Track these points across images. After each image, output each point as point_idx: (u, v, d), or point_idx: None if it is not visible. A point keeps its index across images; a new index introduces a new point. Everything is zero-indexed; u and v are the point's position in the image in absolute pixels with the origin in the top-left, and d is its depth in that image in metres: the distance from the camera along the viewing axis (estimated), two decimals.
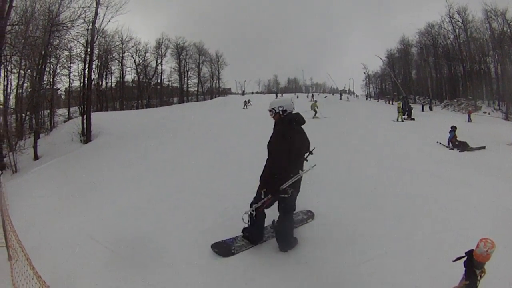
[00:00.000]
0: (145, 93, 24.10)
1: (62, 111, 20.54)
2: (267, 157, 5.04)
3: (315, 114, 19.93)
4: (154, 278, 4.77)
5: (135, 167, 10.88)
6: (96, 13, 18.40)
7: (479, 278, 3.02)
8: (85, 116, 17.82)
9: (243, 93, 26.79)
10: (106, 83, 23.14)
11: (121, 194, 8.43)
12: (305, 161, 5.33)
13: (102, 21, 19.06)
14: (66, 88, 20.85)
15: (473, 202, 7.12)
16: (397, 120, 19.25)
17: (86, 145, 16.73)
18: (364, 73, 26.66)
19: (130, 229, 6.23)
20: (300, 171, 5.03)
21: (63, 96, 21.46)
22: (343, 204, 7.03)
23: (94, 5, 18.32)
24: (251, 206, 5.13)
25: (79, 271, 5.00)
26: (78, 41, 18.86)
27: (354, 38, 26.57)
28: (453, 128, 13.50)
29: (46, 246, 5.79)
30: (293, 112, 5.18)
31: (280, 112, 5.12)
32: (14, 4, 15.51)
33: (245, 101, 23.45)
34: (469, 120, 19.93)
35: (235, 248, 5.17)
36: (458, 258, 3.14)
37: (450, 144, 13.21)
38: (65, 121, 19.89)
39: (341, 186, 8.20)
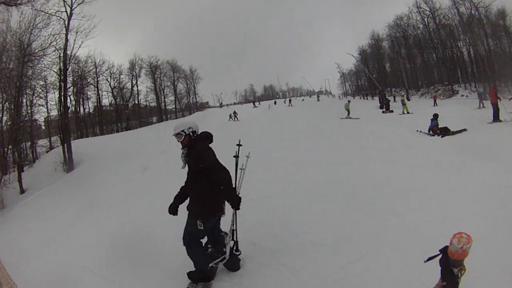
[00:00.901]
0: (124, 115, 23.87)
1: (43, 142, 20.27)
2: (194, 185, 4.74)
3: (348, 114, 19.91)
4: None
5: (117, 192, 10.86)
6: (67, 40, 18.25)
7: (459, 276, 2.71)
8: (65, 145, 17.60)
9: (221, 106, 26.82)
10: (84, 109, 22.88)
11: (106, 219, 8.40)
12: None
13: (73, 47, 18.92)
14: (44, 118, 20.62)
15: (463, 188, 7.09)
16: (403, 113, 19.32)
17: (69, 174, 16.52)
18: (339, 72, 26.88)
19: (118, 252, 6.16)
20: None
21: (43, 127, 21.21)
22: (332, 204, 7.03)
23: (64, 31, 18.18)
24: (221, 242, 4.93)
25: None
26: (51, 70, 18.70)
27: (325, 39, 26.98)
28: (435, 116, 13.61)
29: (39, 280, 5.70)
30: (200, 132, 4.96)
31: (191, 133, 4.85)
32: None
33: (231, 114, 23.21)
34: (435, 104, 20.64)
35: None
36: (431, 258, 2.88)
37: (431, 131, 13.33)
38: (47, 152, 19.59)
39: (328, 184, 8.26)
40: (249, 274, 4.91)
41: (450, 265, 2.71)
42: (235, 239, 5.14)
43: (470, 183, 7.32)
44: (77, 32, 18.70)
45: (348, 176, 8.81)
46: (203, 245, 4.91)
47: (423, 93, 23.22)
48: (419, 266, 4.28)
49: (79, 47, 19.20)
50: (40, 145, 19.80)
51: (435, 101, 21.04)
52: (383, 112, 20.70)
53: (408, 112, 19.22)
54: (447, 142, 11.95)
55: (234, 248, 5.09)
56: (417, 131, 13.86)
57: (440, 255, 2.79)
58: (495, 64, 20.55)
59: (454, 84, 22.09)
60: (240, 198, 4.77)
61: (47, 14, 17.86)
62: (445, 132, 13.02)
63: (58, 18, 18.12)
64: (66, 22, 18.21)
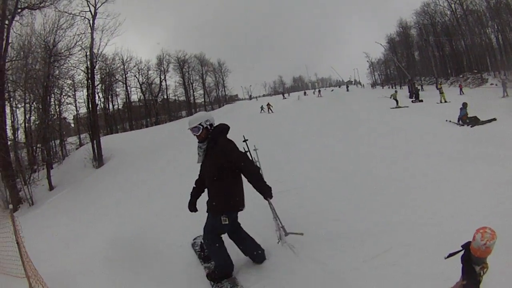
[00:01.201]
0: (153, 110, 24.15)
1: (72, 139, 20.79)
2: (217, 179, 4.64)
3: (397, 104, 19.69)
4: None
5: (145, 187, 10.99)
6: (92, 39, 18.71)
7: (481, 274, 2.44)
8: (94, 141, 17.97)
9: (250, 98, 26.83)
10: (113, 105, 23.31)
11: (133, 214, 8.55)
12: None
13: (99, 45, 19.39)
14: (74, 115, 21.09)
15: (491, 180, 6.86)
16: (441, 101, 18.83)
17: (98, 170, 16.89)
18: (367, 61, 26.42)
19: (144, 247, 6.25)
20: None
21: (72, 124, 21.71)
22: (362, 194, 6.99)
23: (89, 31, 18.60)
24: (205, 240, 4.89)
25: None
26: (79, 68, 19.11)
27: (353, 28, 26.51)
28: (464, 105, 13.29)
29: (64, 274, 5.84)
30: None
31: (208, 126, 4.74)
32: (10, 41, 15.74)
33: (262, 106, 23.13)
34: (461, 93, 20.04)
35: None
36: (452, 254, 2.63)
37: (460, 121, 13.00)
38: (76, 149, 20.05)
39: (357, 174, 8.24)
40: (275, 266, 4.89)
41: (472, 262, 2.49)
42: (280, 224, 5.18)
43: (502, 173, 7.09)
44: (102, 31, 19.21)
45: (376, 166, 8.78)
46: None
47: (452, 82, 22.61)
48: (445, 262, 4.18)
49: (106, 45, 19.73)
50: (69, 142, 20.30)
51: (461, 89, 20.46)
52: (412, 101, 20.32)
53: (445, 101, 18.62)
54: (476, 132, 11.65)
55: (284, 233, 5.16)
56: (446, 120, 13.54)
57: (462, 251, 2.56)
58: None
59: (484, 72, 21.42)
60: (270, 187, 4.70)
61: (71, 15, 18.35)
62: (474, 121, 12.68)
63: (83, 18, 18.61)
64: (91, 22, 18.70)
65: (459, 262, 2.73)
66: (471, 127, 12.45)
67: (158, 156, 15.20)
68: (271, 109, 22.84)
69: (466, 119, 12.90)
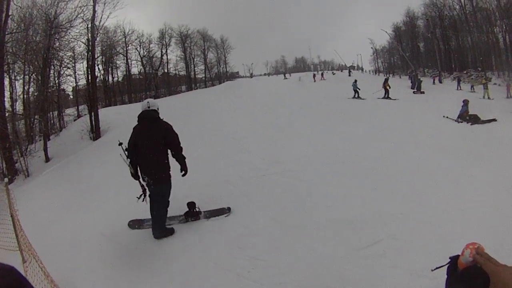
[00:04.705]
0: (153, 83, 23.95)
1: (71, 111, 20.48)
2: None
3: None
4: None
5: None
6: (94, 11, 18.32)
7: None
8: (92, 113, 17.86)
9: (251, 76, 26.53)
10: (113, 78, 22.97)
11: (126, 187, 8.48)
12: None
13: (101, 18, 18.96)
14: (73, 87, 20.87)
15: (486, 178, 6.91)
16: (484, 97, 17.69)
17: (95, 142, 16.76)
18: (371, 48, 26.18)
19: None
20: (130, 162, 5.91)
21: (71, 96, 21.51)
22: (348, 184, 6.93)
23: (91, 3, 18.23)
24: None
25: (87, 266, 5.20)
26: (79, 41, 18.78)
27: (359, 13, 26.02)
28: (465, 102, 13.18)
29: (56, 246, 5.88)
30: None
31: None
32: (10, 13, 15.45)
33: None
34: (509, 95, 18.46)
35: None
36: (440, 267, 2.42)
37: (459, 119, 12.90)
38: (74, 120, 19.89)
39: (345, 164, 8.15)
40: (264, 248, 4.97)
41: None
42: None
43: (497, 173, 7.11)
44: (104, 3, 18.76)
45: (372, 155, 8.71)
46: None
47: (456, 77, 22.43)
48: (432, 259, 4.13)
49: (107, 17, 19.23)
50: (67, 114, 20.06)
51: (508, 90, 18.51)
52: (414, 92, 19.98)
53: (489, 98, 17.57)
54: (475, 131, 11.61)
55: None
56: (444, 116, 13.36)
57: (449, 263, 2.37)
58: None
59: (488, 71, 21.25)
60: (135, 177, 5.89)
61: None
62: (474, 120, 12.58)
63: None
64: None
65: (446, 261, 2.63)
66: (470, 124, 12.37)
67: None
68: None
69: (466, 116, 12.80)
